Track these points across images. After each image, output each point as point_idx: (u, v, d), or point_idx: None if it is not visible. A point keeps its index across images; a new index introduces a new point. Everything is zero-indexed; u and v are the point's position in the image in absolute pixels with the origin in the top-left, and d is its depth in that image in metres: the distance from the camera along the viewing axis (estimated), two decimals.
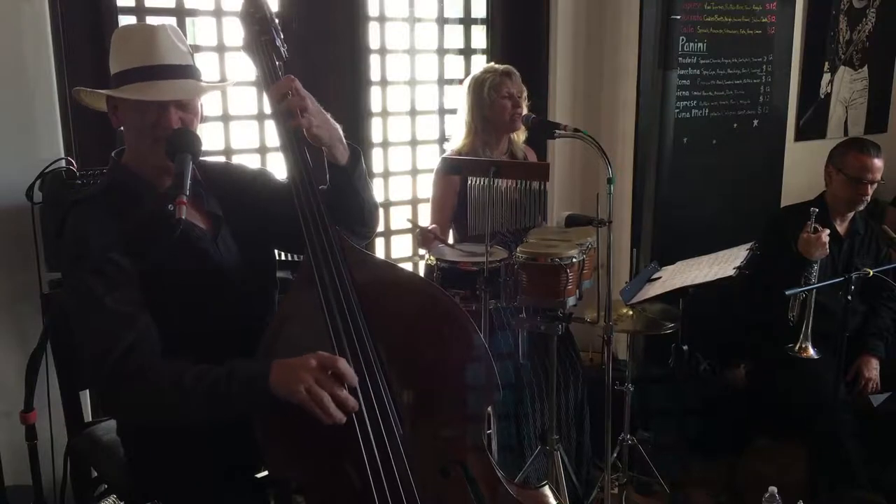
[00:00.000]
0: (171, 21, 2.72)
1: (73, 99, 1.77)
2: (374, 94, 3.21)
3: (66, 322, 1.64)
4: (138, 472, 1.81)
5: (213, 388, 1.45)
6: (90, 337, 1.51)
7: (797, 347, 2.56)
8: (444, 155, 2.89)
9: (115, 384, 1.50)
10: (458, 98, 2.93)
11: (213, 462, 1.67)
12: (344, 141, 1.66)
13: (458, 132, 2.88)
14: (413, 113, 3.34)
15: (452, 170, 2.62)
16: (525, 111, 2.80)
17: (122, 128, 1.67)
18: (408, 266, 3.37)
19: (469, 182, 2.43)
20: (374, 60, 3.18)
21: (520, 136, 2.92)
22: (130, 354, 1.48)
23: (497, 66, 2.85)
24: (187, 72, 1.62)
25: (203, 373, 1.47)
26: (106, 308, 1.50)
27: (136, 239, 1.53)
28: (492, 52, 3.43)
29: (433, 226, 2.76)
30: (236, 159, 2.95)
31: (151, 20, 2.70)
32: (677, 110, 3.42)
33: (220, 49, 2.84)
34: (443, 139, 3.40)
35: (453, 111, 3.15)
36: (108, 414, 2.15)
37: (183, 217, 1.41)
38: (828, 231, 2.74)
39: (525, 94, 2.85)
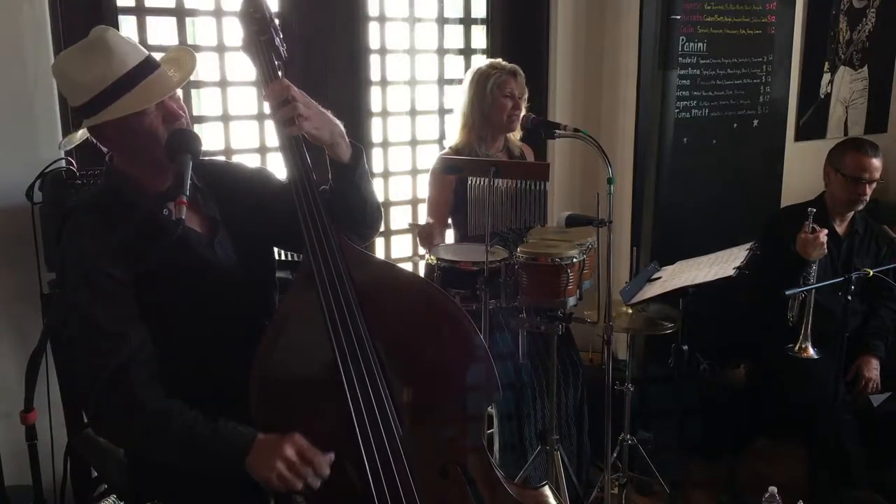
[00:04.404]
0: (171, 21, 2.73)
1: None
2: (374, 94, 3.21)
3: (64, 323, 1.63)
4: (138, 472, 1.80)
5: (193, 441, 1.49)
6: (82, 356, 1.52)
7: (797, 347, 2.57)
8: (441, 153, 2.86)
9: (101, 409, 1.52)
10: (459, 89, 2.88)
11: None
12: (346, 138, 1.65)
13: (454, 125, 2.85)
14: (413, 113, 3.34)
15: (452, 170, 2.61)
16: (524, 112, 2.79)
17: (111, 153, 1.62)
18: (408, 266, 3.37)
19: (469, 182, 2.43)
20: (374, 60, 3.18)
21: (516, 132, 2.90)
22: (120, 377, 1.49)
23: (505, 63, 2.81)
24: (155, 62, 1.58)
25: (189, 423, 1.50)
26: (99, 327, 1.50)
27: (134, 244, 1.51)
28: (492, 52, 3.42)
29: (430, 220, 2.75)
30: (236, 159, 2.94)
31: (152, 20, 2.70)
32: (677, 110, 3.42)
33: (220, 49, 2.84)
34: (443, 139, 3.39)
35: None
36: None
37: (183, 217, 1.40)
38: (825, 231, 2.74)
39: (525, 95, 2.84)
